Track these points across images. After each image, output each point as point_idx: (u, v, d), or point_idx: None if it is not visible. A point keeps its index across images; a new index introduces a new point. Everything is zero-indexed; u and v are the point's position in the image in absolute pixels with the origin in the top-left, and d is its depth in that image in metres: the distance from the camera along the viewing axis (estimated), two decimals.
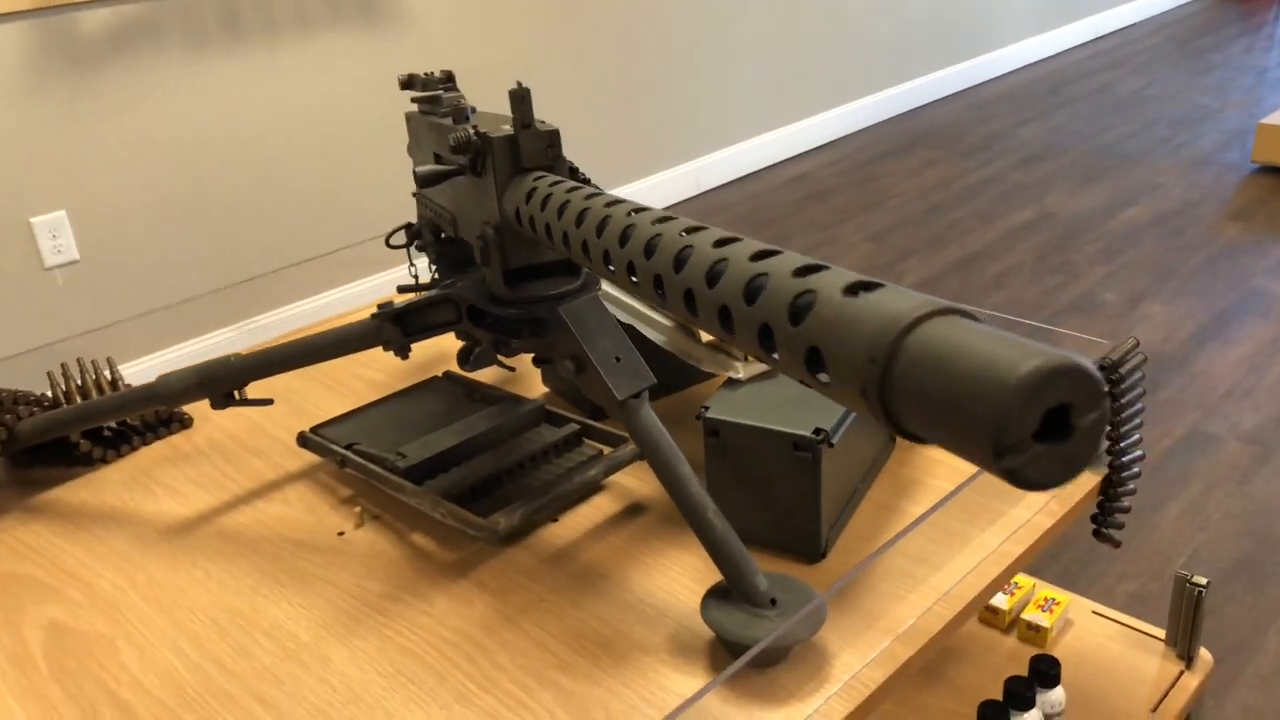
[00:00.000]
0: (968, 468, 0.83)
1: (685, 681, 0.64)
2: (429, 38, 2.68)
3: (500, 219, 0.66)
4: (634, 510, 0.80)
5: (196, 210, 2.36)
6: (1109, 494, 0.82)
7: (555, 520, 0.80)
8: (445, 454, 0.80)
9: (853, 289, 0.37)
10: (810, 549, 0.73)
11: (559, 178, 0.62)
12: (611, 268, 0.52)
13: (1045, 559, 1.65)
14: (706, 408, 0.73)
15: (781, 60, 3.59)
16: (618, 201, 0.54)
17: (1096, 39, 5.08)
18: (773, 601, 0.65)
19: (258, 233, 2.46)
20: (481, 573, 0.75)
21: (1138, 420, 0.82)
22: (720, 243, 0.45)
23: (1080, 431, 0.29)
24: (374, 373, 1.05)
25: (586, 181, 0.71)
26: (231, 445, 0.94)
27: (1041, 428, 0.28)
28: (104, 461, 0.92)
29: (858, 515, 0.78)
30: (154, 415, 0.95)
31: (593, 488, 0.81)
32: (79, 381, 0.92)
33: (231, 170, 2.39)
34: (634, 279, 0.50)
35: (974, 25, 4.34)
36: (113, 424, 0.93)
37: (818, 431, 0.69)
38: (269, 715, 0.64)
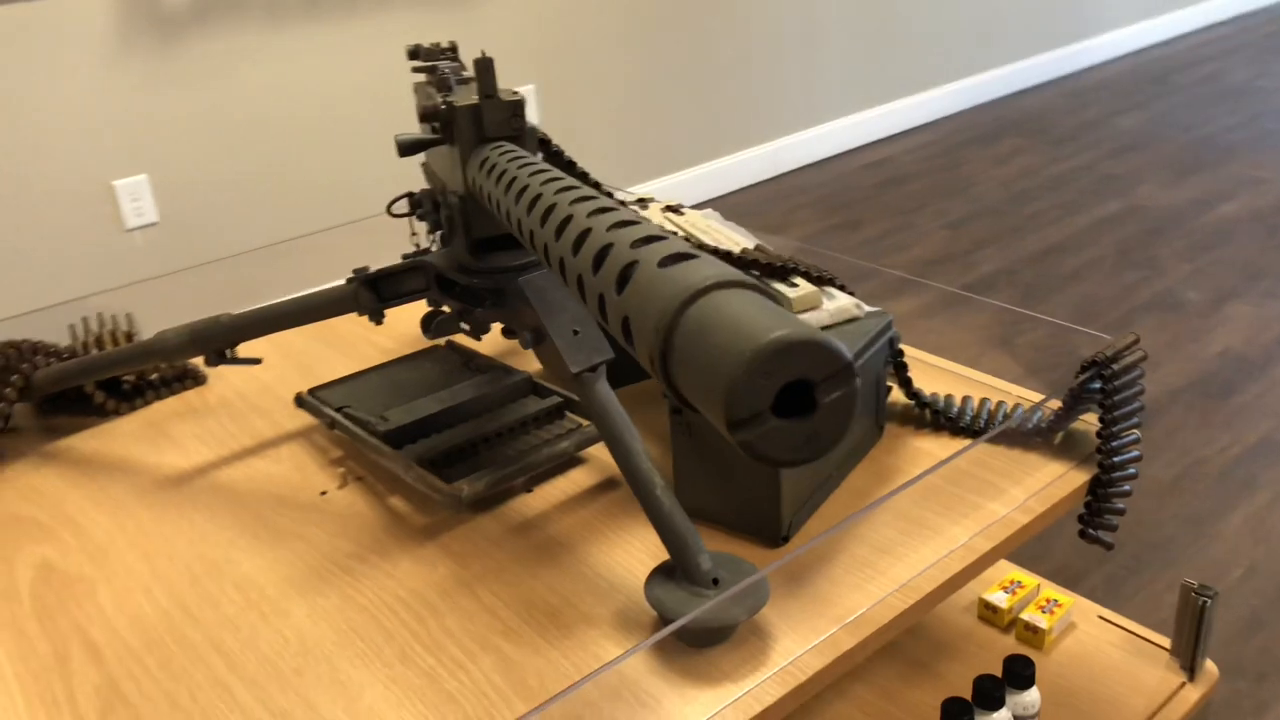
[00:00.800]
0: (958, 458, 0.81)
1: (630, 650, 0.64)
2: (503, 14, 2.71)
3: (465, 189, 0.67)
4: (608, 485, 0.81)
5: (271, 176, 2.43)
6: (1098, 494, 0.79)
7: (530, 491, 0.80)
8: (427, 420, 0.82)
9: (668, 260, 0.36)
10: (771, 533, 0.72)
11: (516, 151, 0.62)
12: (545, 252, 0.52)
13: (1090, 563, 1.61)
14: None
15: (867, 42, 3.52)
16: (565, 187, 0.53)
17: (1209, 26, 4.86)
18: (715, 581, 0.64)
19: (329, 199, 2.52)
20: (449, 538, 0.76)
21: (1135, 420, 0.79)
22: (638, 240, 0.44)
23: (823, 408, 0.28)
24: (387, 339, 1.07)
25: (558, 155, 0.71)
26: (239, 403, 0.97)
27: (781, 402, 0.27)
28: (117, 413, 0.96)
29: (830, 502, 0.77)
30: (170, 371, 0.98)
31: (564, 460, 0.81)
32: (98, 335, 0.96)
33: (305, 138, 2.45)
34: (563, 271, 0.50)
35: (1074, 10, 4.19)
36: (130, 378, 0.97)
37: None
38: (221, 662, 0.66)
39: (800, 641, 0.64)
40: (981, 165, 3.40)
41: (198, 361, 1.00)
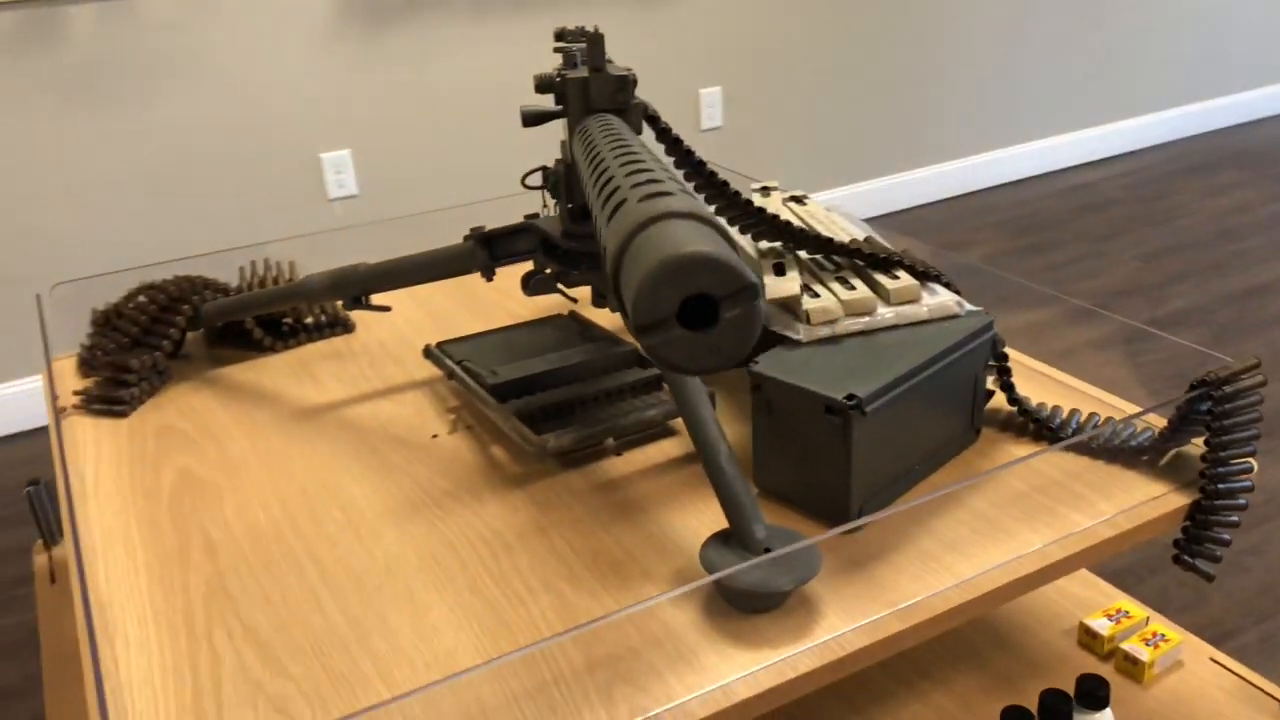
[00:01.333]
0: (1051, 468, 0.79)
1: (673, 612, 0.67)
2: (693, 17, 2.76)
3: (570, 157, 0.71)
4: (693, 458, 0.83)
5: (467, 157, 2.57)
6: (1199, 520, 0.76)
7: (619, 454, 0.84)
8: (533, 378, 0.87)
9: (650, 196, 0.39)
10: (840, 516, 0.73)
11: (612, 124, 0.66)
12: (593, 207, 0.54)
13: (1246, 620, 1.51)
14: (755, 362, 0.75)
15: (1080, 62, 3.38)
16: (626, 156, 0.56)
17: None
18: (767, 550, 0.66)
19: (506, 176, 2.64)
20: (536, 488, 0.81)
21: (1249, 446, 0.75)
22: (645, 193, 0.46)
23: (725, 323, 0.30)
24: (519, 305, 1.13)
25: (665, 131, 0.74)
26: (378, 351, 1.05)
27: (686, 314, 0.30)
28: (273, 350, 1.06)
29: (910, 497, 0.77)
30: (323, 317, 1.07)
31: (653, 427, 0.84)
32: (261, 277, 1.06)
33: (492, 122, 2.58)
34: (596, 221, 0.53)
35: None
36: (289, 320, 1.06)
37: (850, 397, 0.69)
38: (314, 570, 0.73)
39: (846, 619, 0.65)
40: (1191, 197, 3.21)
41: (350, 312, 1.09)
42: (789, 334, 0.77)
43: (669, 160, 0.63)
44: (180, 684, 0.64)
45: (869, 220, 3.17)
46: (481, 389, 0.86)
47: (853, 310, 0.77)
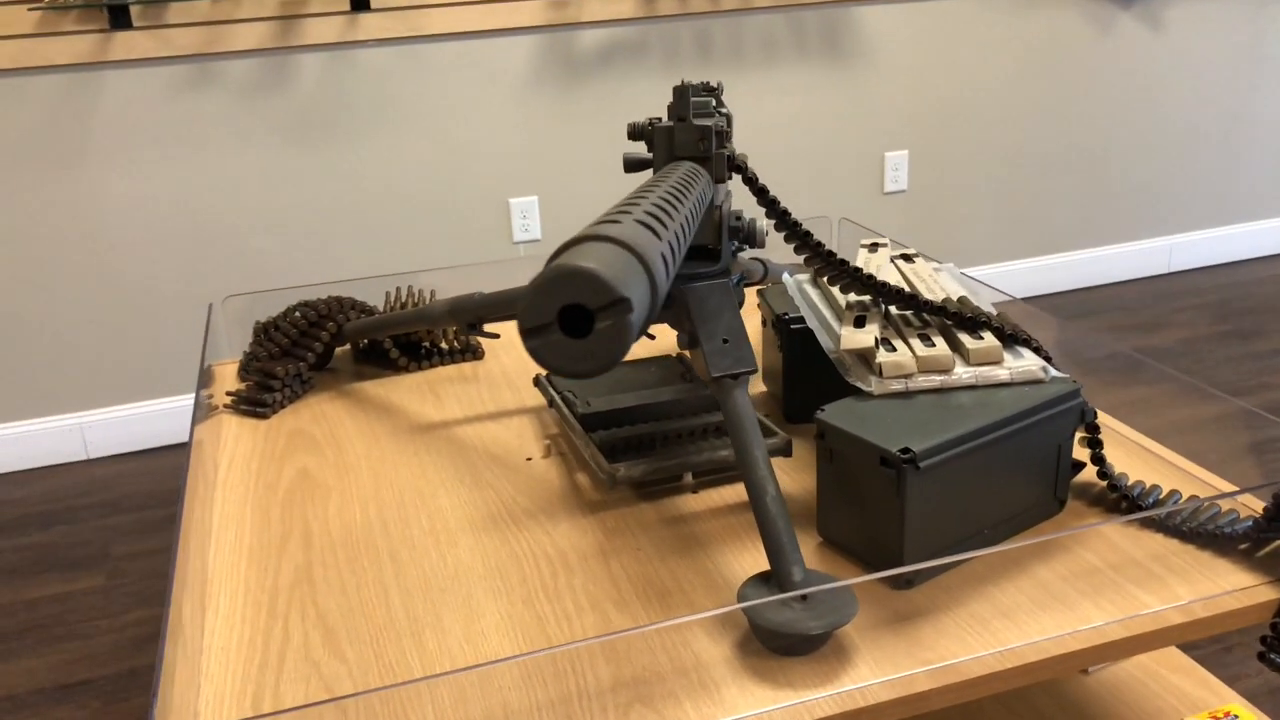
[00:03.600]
0: (1134, 546, 0.76)
1: (707, 644, 0.68)
2: (883, 78, 2.76)
3: None
4: (747, 507, 0.84)
5: None
6: None
7: (695, 492, 0.86)
8: (622, 411, 0.90)
9: (598, 222, 0.42)
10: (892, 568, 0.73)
11: (683, 170, 0.69)
12: None
13: None
14: (823, 410, 0.76)
15: None
16: (634, 201, 0.59)
17: None
18: (803, 598, 0.67)
19: None
20: (608, 515, 0.84)
21: None
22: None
23: (598, 333, 0.32)
24: (638, 343, 1.17)
25: (751, 181, 0.76)
26: (499, 377, 1.12)
27: (566, 322, 0.32)
28: (407, 370, 1.14)
29: (978, 563, 0.75)
30: (456, 342, 1.15)
31: (723, 466, 0.86)
32: (403, 301, 1.14)
33: None
34: None
35: None
36: (426, 343, 1.14)
37: (905, 451, 0.69)
38: (391, 568, 0.79)
39: (875, 671, 0.65)
40: None
41: (482, 340, 1.16)
42: (861, 385, 0.77)
43: (692, 200, 0.65)
44: (250, 656, 0.70)
45: (1055, 295, 3.05)
46: (573, 417, 0.91)
47: (927, 367, 0.77)
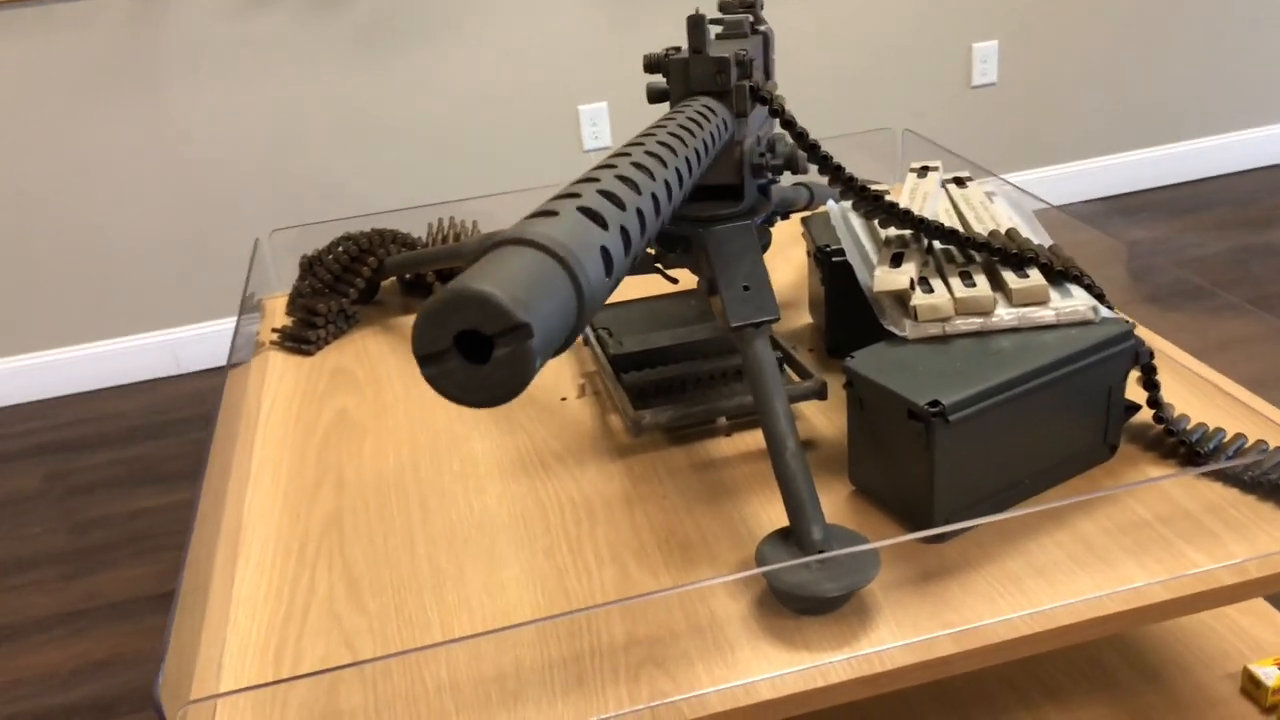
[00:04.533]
0: (1188, 497, 0.72)
1: (725, 601, 0.67)
2: None
3: None
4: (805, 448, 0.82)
5: None
6: None
7: (728, 435, 0.84)
8: (655, 352, 0.88)
9: (532, 216, 0.39)
10: (922, 524, 0.70)
11: (696, 108, 0.65)
12: None
13: None
14: (852, 356, 0.72)
15: None
16: (648, 144, 0.55)
17: None
18: (821, 551, 0.64)
19: None
20: (636, 460, 0.82)
21: None
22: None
23: (495, 361, 0.30)
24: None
25: (779, 112, 0.72)
26: None
27: (465, 347, 0.30)
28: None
29: (1019, 511, 0.72)
30: None
31: (753, 410, 0.83)
32: (445, 234, 1.13)
33: None
34: None
35: None
36: None
37: (934, 404, 0.65)
38: (418, 516, 0.79)
39: (896, 634, 0.63)
40: None
41: None
42: (894, 329, 0.73)
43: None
44: (277, 606, 0.71)
45: (1162, 189, 2.87)
46: (604, 357, 0.89)
47: (966, 309, 0.72)
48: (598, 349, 0.91)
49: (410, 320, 1.11)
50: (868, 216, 0.78)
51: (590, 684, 0.62)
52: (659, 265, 0.78)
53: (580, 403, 0.92)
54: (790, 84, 2.57)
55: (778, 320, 0.70)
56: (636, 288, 1.11)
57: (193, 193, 2.42)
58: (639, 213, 0.44)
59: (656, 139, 0.53)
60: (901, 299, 0.74)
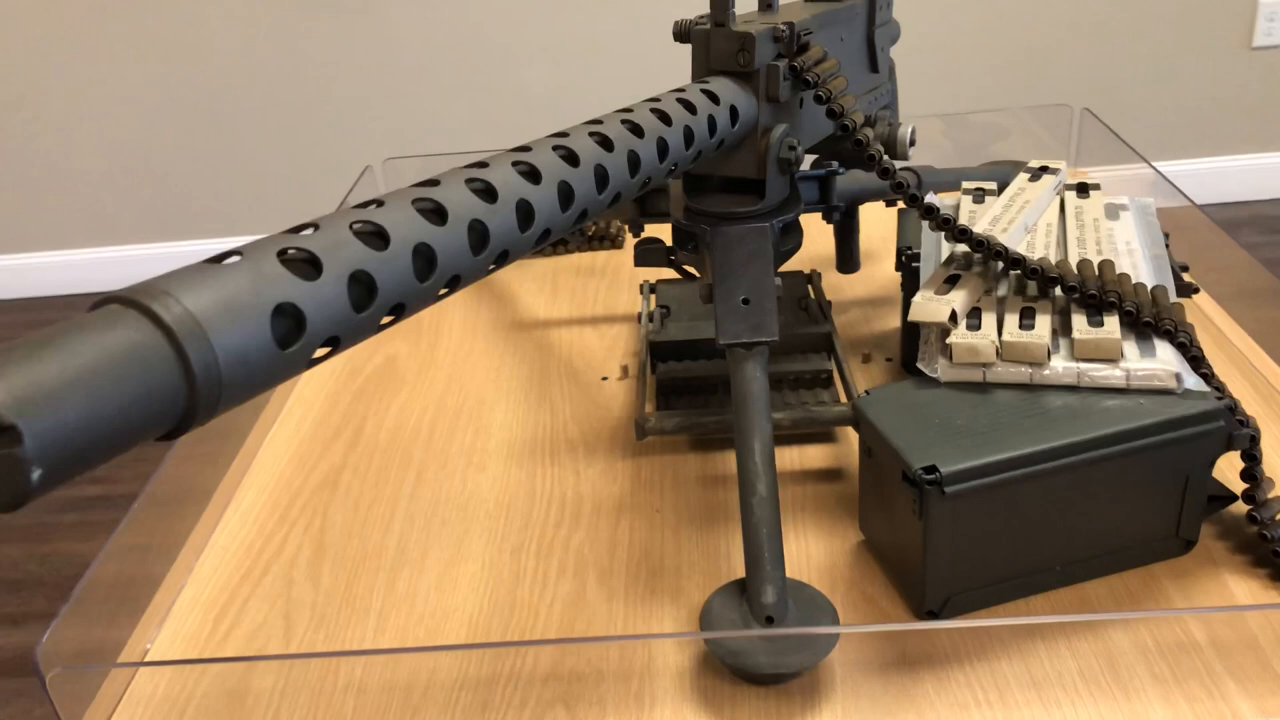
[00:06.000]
0: (1256, 621, 0.58)
1: (670, 651, 0.60)
2: None
3: None
4: (823, 476, 0.73)
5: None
6: None
7: None
8: (699, 343, 0.80)
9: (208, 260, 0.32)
10: (914, 600, 0.60)
11: (683, 91, 0.56)
12: None
13: None
14: (868, 393, 0.62)
15: None
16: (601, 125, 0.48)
17: None
18: (768, 620, 0.56)
19: None
20: (647, 461, 0.76)
21: None
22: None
23: None
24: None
25: (822, 99, 0.61)
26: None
27: None
28: (540, 254, 1.08)
29: (1028, 618, 0.61)
30: (597, 230, 1.07)
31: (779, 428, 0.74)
32: None
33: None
34: None
35: None
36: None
37: (930, 469, 0.55)
38: (408, 487, 0.76)
39: None
40: None
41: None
42: (924, 368, 0.63)
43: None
44: (241, 562, 0.70)
45: None
46: (646, 343, 0.82)
47: (1013, 355, 0.61)
48: (643, 331, 0.84)
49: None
50: (931, 226, 0.66)
51: (491, 713, 0.57)
52: (674, 259, 0.70)
53: (619, 385, 0.85)
54: (1013, 30, 2.33)
55: (775, 342, 0.61)
56: None
57: (405, 106, 2.48)
58: (418, 250, 0.37)
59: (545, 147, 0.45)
60: (943, 332, 0.63)
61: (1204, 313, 0.87)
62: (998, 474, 0.56)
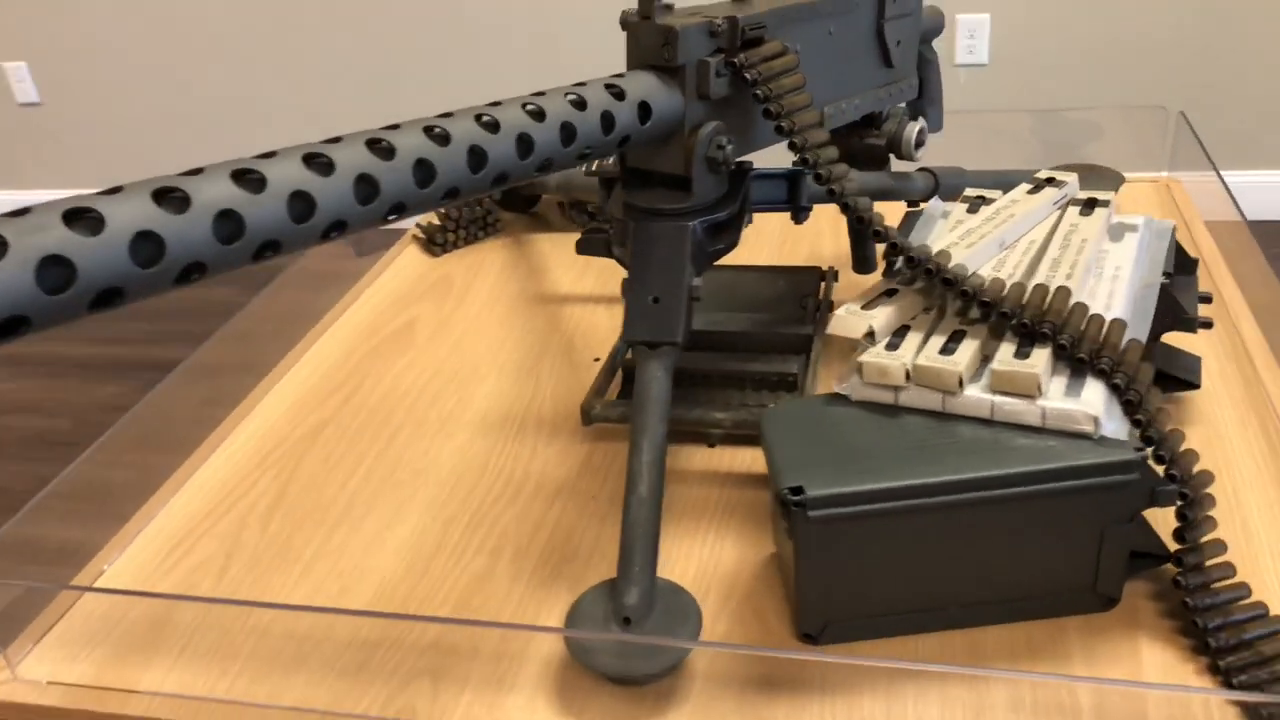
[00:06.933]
0: (1157, 708, 0.53)
1: (550, 638, 0.61)
2: None
3: None
4: (757, 482, 0.71)
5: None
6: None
7: (711, 446, 0.75)
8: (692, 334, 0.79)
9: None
10: (795, 622, 0.58)
11: (611, 81, 0.55)
12: None
13: None
14: (772, 405, 0.61)
15: None
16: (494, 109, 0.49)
17: None
18: (626, 621, 0.56)
19: None
20: (600, 450, 0.76)
21: None
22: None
23: None
24: (812, 246, 1.01)
25: (761, 99, 0.59)
26: None
27: None
28: (569, 230, 1.09)
29: (923, 641, 0.58)
30: None
31: (710, 427, 0.72)
32: None
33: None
34: None
35: None
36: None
37: (796, 490, 0.53)
38: (382, 443, 0.79)
39: None
40: None
41: None
42: (837, 384, 0.60)
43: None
44: (212, 500, 0.75)
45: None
46: None
47: (924, 380, 0.57)
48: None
49: (540, 240, 1.09)
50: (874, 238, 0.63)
51: (365, 674, 0.59)
52: (614, 251, 0.69)
53: (602, 367, 0.86)
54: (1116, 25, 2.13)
55: (677, 345, 0.60)
56: (788, 251, 1.01)
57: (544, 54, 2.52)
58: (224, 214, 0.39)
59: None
60: (877, 359, 0.60)
61: (1246, 349, 0.79)
62: (874, 503, 0.53)
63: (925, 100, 0.87)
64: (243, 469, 0.78)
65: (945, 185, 0.83)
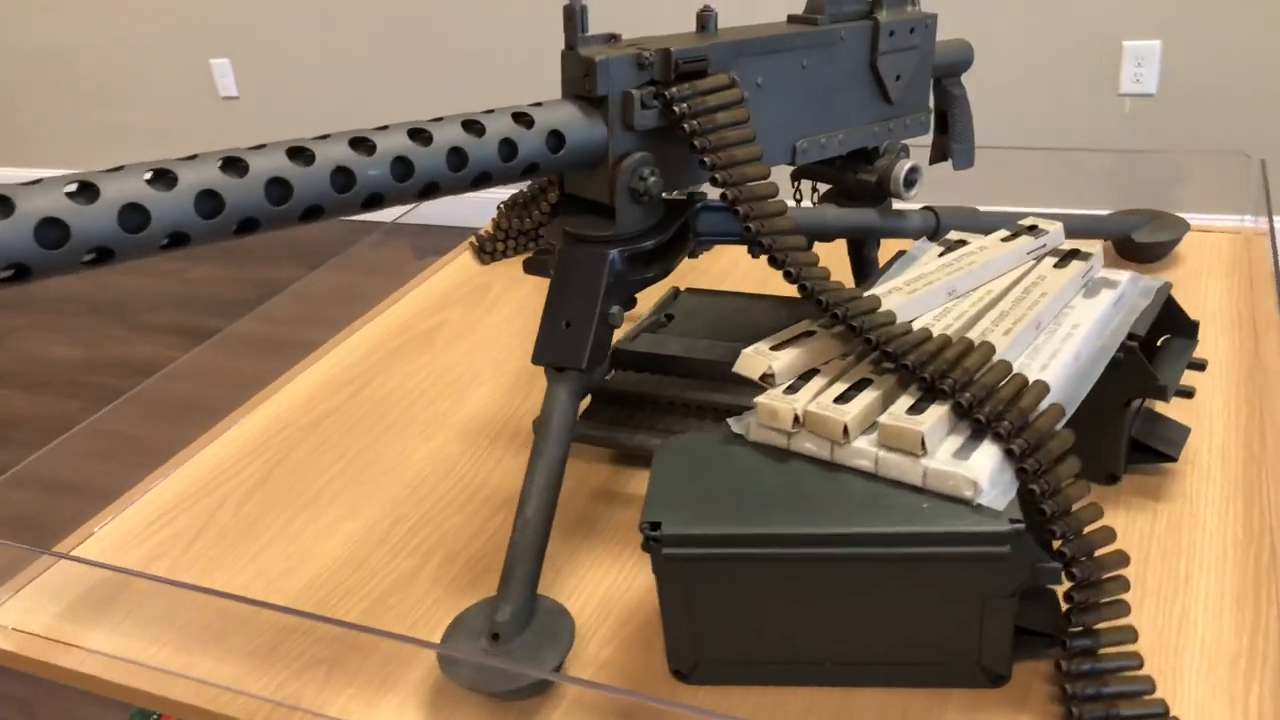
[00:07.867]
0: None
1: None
2: None
3: None
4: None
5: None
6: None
7: None
8: (660, 358, 0.79)
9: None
10: (668, 656, 0.58)
11: (524, 109, 0.56)
12: None
13: None
14: (669, 439, 0.60)
15: None
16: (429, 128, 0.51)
17: None
18: (495, 637, 0.57)
19: None
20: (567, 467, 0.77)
21: None
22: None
23: None
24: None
25: (680, 124, 0.58)
26: (697, 278, 1.02)
27: None
28: None
29: (795, 696, 0.56)
30: None
31: (640, 451, 0.72)
32: None
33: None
34: None
35: None
36: None
37: (654, 525, 0.53)
38: (366, 440, 0.82)
39: None
40: None
41: None
42: (731, 422, 0.59)
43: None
44: (202, 481, 0.81)
45: None
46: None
47: (812, 427, 0.56)
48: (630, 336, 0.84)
49: None
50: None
51: (273, 656, 0.63)
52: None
53: None
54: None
55: (580, 371, 0.60)
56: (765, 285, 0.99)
57: None
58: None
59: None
60: (771, 394, 0.59)
61: (1266, 425, 0.72)
62: (730, 547, 0.52)
63: (952, 138, 0.84)
64: (243, 449, 0.84)
65: (950, 225, 0.79)
